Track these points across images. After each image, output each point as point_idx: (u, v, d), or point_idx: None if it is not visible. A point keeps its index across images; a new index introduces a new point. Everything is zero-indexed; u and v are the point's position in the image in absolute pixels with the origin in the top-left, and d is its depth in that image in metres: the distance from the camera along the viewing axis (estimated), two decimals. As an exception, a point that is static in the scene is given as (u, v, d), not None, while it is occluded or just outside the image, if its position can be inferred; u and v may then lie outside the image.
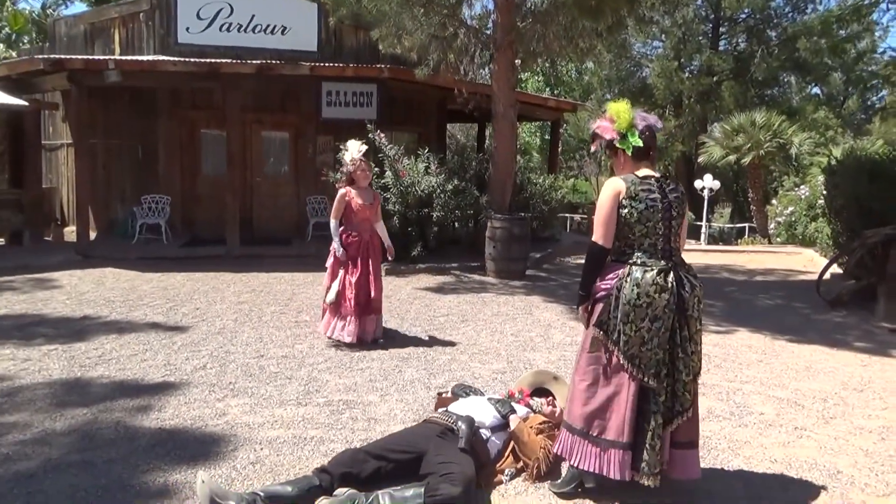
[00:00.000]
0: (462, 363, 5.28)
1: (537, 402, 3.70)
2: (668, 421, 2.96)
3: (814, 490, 3.19)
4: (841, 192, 8.62)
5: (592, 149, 3.31)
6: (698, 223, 22.39)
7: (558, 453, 3.16)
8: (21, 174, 11.32)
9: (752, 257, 12.72)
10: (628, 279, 2.93)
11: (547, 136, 33.14)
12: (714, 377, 4.99)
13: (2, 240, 11.52)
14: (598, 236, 2.99)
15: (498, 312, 7.28)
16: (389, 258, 6.09)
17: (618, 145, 3.09)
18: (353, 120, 10.76)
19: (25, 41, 17.80)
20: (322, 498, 2.80)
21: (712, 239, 22.31)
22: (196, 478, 2.95)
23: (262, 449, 3.58)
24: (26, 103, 10.27)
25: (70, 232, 12.13)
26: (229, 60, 10.13)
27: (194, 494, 3.00)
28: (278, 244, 11.56)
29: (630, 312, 2.91)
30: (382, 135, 9.66)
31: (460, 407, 3.44)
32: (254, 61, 10.14)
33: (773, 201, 17.25)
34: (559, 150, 32.05)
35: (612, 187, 2.99)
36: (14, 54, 14.47)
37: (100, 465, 3.36)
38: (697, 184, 21.40)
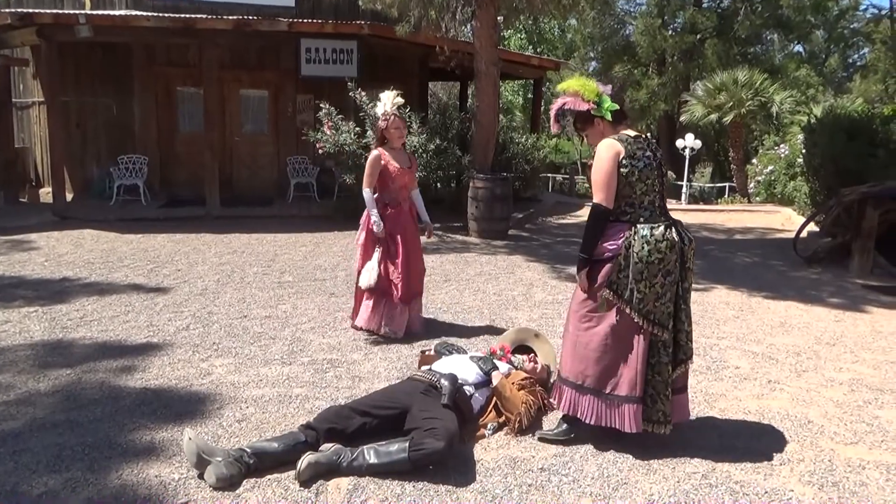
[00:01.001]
0: (443, 322, 5.33)
1: (519, 358, 3.76)
2: (673, 370, 3.11)
3: (785, 439, 3.30)
4: (819, 151, 8.70)
5: (554, 129, 3.32)
6: (679, 183, 22.47)
7: (564, 411, 3.22)
8: (-8, 134, 11.05)
9: (731, 216, 12.86)
10: (636, 237, 2.99)
11: (530, 95, 32.91)
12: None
13: (-26, 201, 11.31)
14: (601, 198, 3.00)
15: (481, 272, 7.32)
16: (427, 237, 5.33)
17: (595, 114, 3.13)
18: (334, 78, 10.60)
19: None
20: (308, 453, 2.85)
21: (693, 198, 22.42)
22: (183, 435, 2.98)
23: (247, 407, 3.61)
24: (-6, 59, 9.96)
25: (46, 193, 11.91)
26: (205, 16, 9.85)
27: (181, 451, 3.03)
28: (259, 205, 11.45)
29: (644, 270, 2.97)
30: (363, 93, 9.53)
31: (443, 365, 3.49)
32: (230, 17, 9.88)
33: (753, 160, 17.34)
34: (542, 109, 31.95)
35: (611, 148, 3.02)
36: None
37: (85, 425, 3.38)
38: (679, 143, 21.41)
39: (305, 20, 10.31)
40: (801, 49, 30.00)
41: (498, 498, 2.72)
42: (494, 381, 3.39)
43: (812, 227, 8.89)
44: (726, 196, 20.08)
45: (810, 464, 3.04)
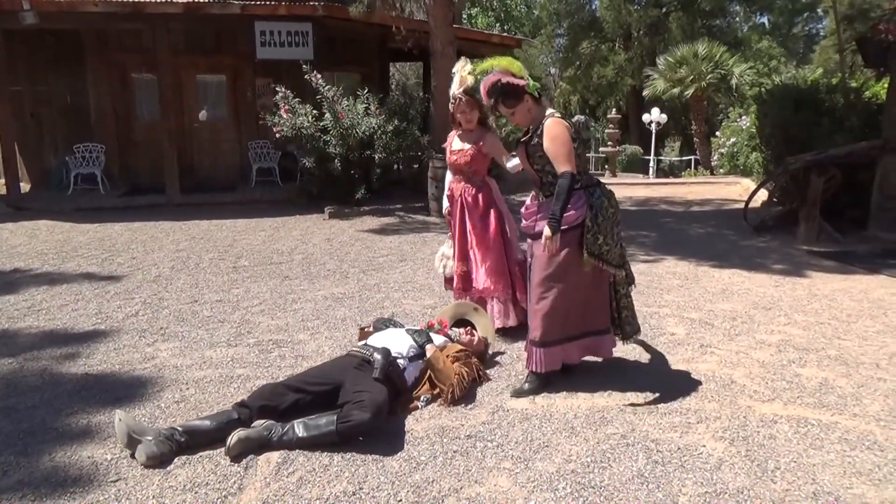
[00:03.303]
0: (395, 300, 5.40)
1: (456, 332, 3.84)
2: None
3: (706, 399, 3.43)
4: (769, 121, 8.86)
5: (486, 103, 3.58)
6: (646, 157, 22.73)
7: (538, 370, 3.48)
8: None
9: (692, 189, 13.06)
10: (596, 199, 3.35)
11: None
12: (634, 303, 5.21)
13: (-73, 195, 11.09)
14: (570, 167, 3.29)
15: (437, 251, 7.36)
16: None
17: (529, 90, 3.39)
18: (290, 61, 10.52)
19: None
20: (238, 429, 2.91)
21: (663, 173, 22.70)
22: (114, 416, 3.03)
23: (187, 388, 3.66)
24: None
25: (1, 185, 11.72)
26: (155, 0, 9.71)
27: (115, 433, 3.07)
28: (222, 191, 11.39)
29: (607, 226, 3.38)
30: (319, 76, 9.48)
31: (378, 339, 3.56)
32: (181, 0, 9.74)
33: (717, 133, 17.57)
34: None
35: (564, 126, 3.35)
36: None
37: (22, 411, 3.41)
38: (645, 118, 21.61)
39: (257, 3, 10.20)
40: (765, 21, 30.26)
41: (422, 465, 2.81)
42: (428, 354, 3.47)
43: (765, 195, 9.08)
44: (692, 169, 20.36)
45: (726, 420, 3.17)
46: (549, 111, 3.41)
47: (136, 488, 2.68)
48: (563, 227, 3.30)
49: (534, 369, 3.52)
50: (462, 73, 4.24)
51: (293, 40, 10.35)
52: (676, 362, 3.97)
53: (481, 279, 4.30)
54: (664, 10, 25.18)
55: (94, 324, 4.84)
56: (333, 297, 5.47)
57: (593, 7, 27.81)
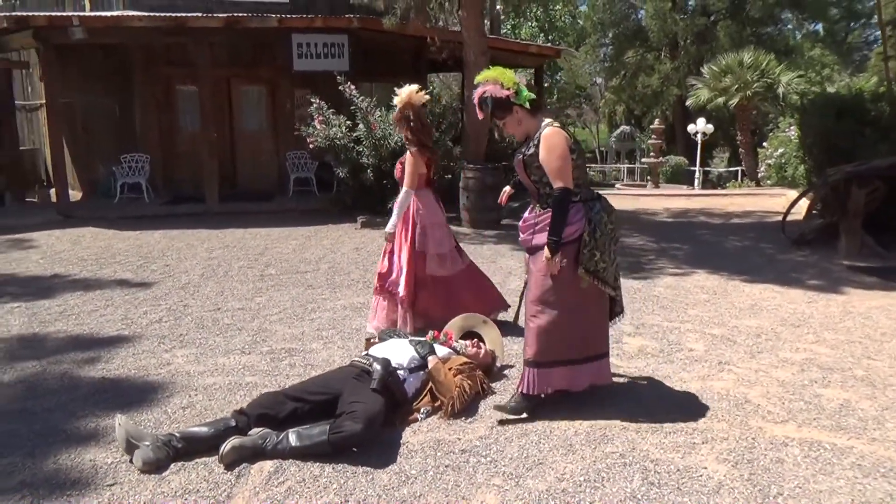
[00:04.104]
0: (412, 310, 5.39)
1: (461, 343, 3.81)
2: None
3: (716, 419, 3.30)
4: (811, 131, 8.57)
5: (480, 116, 3.49)
6: (692, 168, 22.24)
7: (534, 392, 3.31)
8: (-1, 136, 11.37)
9: (734, 200, 12.71)
10: (596, 214, 3.24)
11: (547, 83, 32.74)
12: (656, 318, 5.10)
13: (-15, 203, 11.65)
14: (565, 182, 3.19)
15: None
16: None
17: (514, 101, 3.29)
18: (326, 72, 10.68)
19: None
20: (234, 437, 2.94)
21: (711, 184, 22.17)
22: (115, 421, 3.09)
23: (196, 395, 3.72)
24: (-7, 63, 10.24)
25: (55, 192, 12.21)
26: (197, 14, 10.00)
27: (118, 437, 3.14)
28: (259, 200, 11.63)
29: (605, 242, 3.26)
30: (353, 87, 9.60)
31: (381, 349, 3.56)
32: (221, 14, 10.01)
33: (764, 143, 17.08)
34: (553, 97, 31.65)
35: (562, 137, 3.25)
36: (-12, 14, 14.29)
37: (39, 413, 3.52)
38: (690, 128, 21.16)
39: (296, 15, 10.40)
40: (818, 28, 29.36)
41: (412, 479, 2.78)
42: (430, 365, 3.45)
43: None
44: (739, 180, 19.83)
45: (733, 442, 3.05)
46: (546, 121, 3.32)
47: (130, 493, 2.72)
48: (565, 242, 3.21)
49: (523, 391, 3.33)
50: (402, 91, 4.58)
51: (329, 52, 10.51)
52: (690, 379, 3.84)
53: (401, 284, 4.58)
54: (712, 18, 24.71)
55: (119, 329, 4.97)
56: (352, 307, 5.50)
57: (639, 16, 27.47)
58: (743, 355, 4.25)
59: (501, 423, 3.27)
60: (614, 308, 3.52)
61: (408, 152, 4.67)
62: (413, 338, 3.76)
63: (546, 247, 3.22)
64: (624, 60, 27.72)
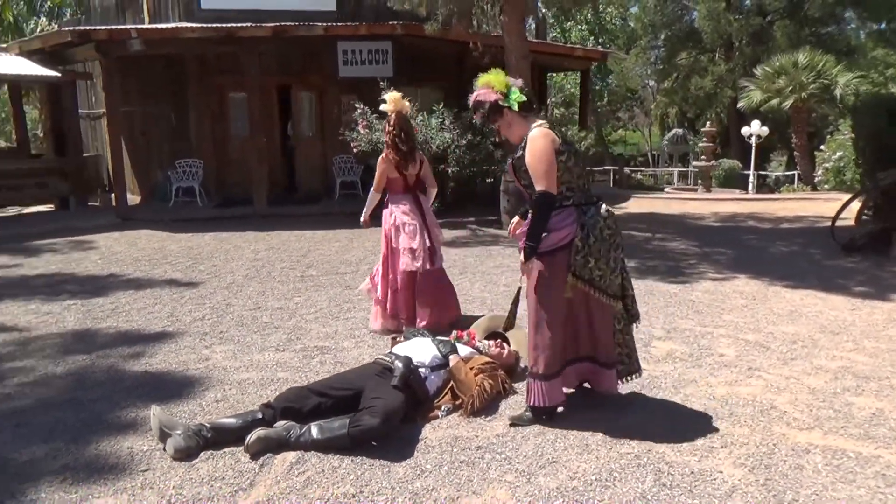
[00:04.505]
0: (445, 311, 5.47)
1: (485, 343, 3.87)
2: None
3: (738, 424, 3.27)
4: (863, 132, 8.28)
5: (477, 121, 3.47)
6: (745, 172, 21.67)
7: (548, 405, 3.24)
8: (64, 143, 11.99)
9: (786, 205, 12.35)
10: (591, 219, 3.11)
11: (597, 87, 32.42)
12: (689, 322, 5.04)
13: (51, 206, 12.30)
14: (546, 185, 3.08)
15: (500, 265, 7.41)
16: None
17: (503, 104, 3.23)
18: (372, 78, 10.89)
19: (67, 14, 18.53)
20: (258, 429, 3.07)
21: (767, 189, 21.56)
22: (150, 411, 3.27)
23: (230, 389, 3.89)
24: (58, 74, 10.81)
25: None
26: (246, 24, 10.35)
27: (154, 426, 3.32)
28: (306, 203, 11.93)
29: (600, 248, 3.12)
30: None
31: (403, 348, 3.65)
32: (269, 24, 10.33)
33: (822, 146, 16.55)
34: (603, 100, 31.29)
35: (547, 136, 3.13)
36: (56, 27, 15.12)
37: (84, 403, 3.74)
38: (744, 130, 20.64)
39: (341, 23, 10.65)
40: (883, 27, 28.16)
41: (426, 473, 2.86)
42: (451, 364, 3.52)
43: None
44: (795, 184, 19.23)
45: (752, 447, 3.02)
46: (538, 123, 3.21)
47: (161, 478, 2.88)
48: (551, 248, 3.12)
49: (534, 404, 3.25)
50: (389, 98, 4.84)
51: (373, 58, 10.73)
52: (717, 384, 3.80)
53: (378, 286, 4.99)
54: (768, 18, 24.03)
55: (164, 326, 5.21)
56: (386, 308, 5.61)
57: (691, 17, 26.93)
58: (775, 362, 4.17)
59: (513, 424, 3.29)
60: (629, 317, 3.39)
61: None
62: (436, 337, 3.84)
63: (521, 250, 3.18)
64: (676, 62, 27.22)
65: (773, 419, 3.32)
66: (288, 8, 11.97)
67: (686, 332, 4.78)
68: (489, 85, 3.27)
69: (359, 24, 10.71)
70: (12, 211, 12.25)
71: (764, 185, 22.45)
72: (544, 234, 3.12)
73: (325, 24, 10.49)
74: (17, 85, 12.65)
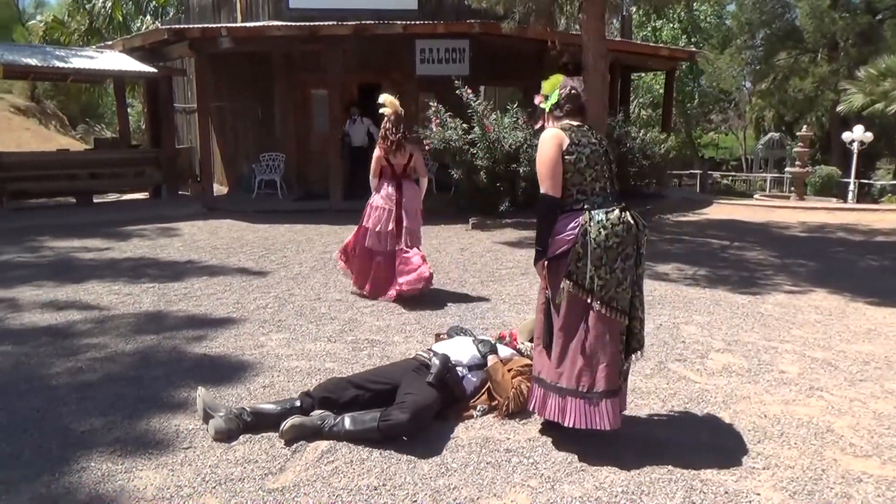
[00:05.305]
0: (499, 312, 5.46)
1: (527, 346, 3.82)
2: (625, 358, 3.07)
3: (788, 445, 3.09)
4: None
5: (537, 126, 3.41)
6: (845, 180, 20.34)
7: (549, 418, 3.08)
8: (160, 135, 12.73)
9: (885, 216, 11.53)
10: (592, 223, 2.95)
11: (688, 88, 31.30)
12: (753, 335, 4.80)
13: (146, 194, 13.08)
14: (546, 188, 3.01)
15: (564, 266, 7.28)
16: None
17: (543, 107, 3.24)
18: (447, 76, 10.96)
19: (170, 13, 19.65)
20: (295, 416, 3.17)
21: (870, 198, 20.14)
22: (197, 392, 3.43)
23: (278, 375, 4.02)
24: (155, 70, 11.47)
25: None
26: (329, 23, 10.64)
27: (202, 407, 3.48)
28: (380, 199, 12.12)
29: (602, 256, 2.93)
30: (469, 90, 9.79)
31: (443, 346, 3.66)
32: (350, 23, 10.58)
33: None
34: (694, 101, 30.14)
35: (553, 137, 3.06)
36: (159, 25, 16.06)
37: (146, 380, 3.97)
38: (845, 136, 19.38)
39: (419, 22, 10.77)
40: None
41: (451, 471, 2.86)
42: (489, 364, 3.50)
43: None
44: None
45: (798, 471, 2.84)
46: (564, 123, 3.12)
47: (201, 457, 3.02)
48: (555, 253, 3.01)
49: (549, 417, 3.06)
50: (388, 99, 5.74)
51: (450, 57, 10.79)
52: (772, 402, 3.61)
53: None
54: (878, 16, 22.43)
55: (229, 312, 5.45)
56: (441, 304, 5.64)
57: (793, 15, 25.47)
58: (841, 382, 3.92)
59: (542, 432, 3.23)
60: (631, 341, 3.05)
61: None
62: (478, 337, 3.83)
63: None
64: (774, 63, 25.85)
65: (826, 443, 3.12)
66: (371, 7, 12.23)
67: (748, 346, 4.56)
68: (543, 89, 3.26)
69: (437, 22, 10.80)
70: (111, 197, 13.10)
71: (867, 195, 21.00)
72: (552, 238, 3.03)
73: (404, 22, 10.63)
74: (121, 80, 13.53)
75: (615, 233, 2.93)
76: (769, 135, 28.18)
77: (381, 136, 5.72)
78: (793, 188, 19.47)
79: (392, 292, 5.68)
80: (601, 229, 2.93)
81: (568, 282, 2.99)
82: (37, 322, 5.10)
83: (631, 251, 2.98)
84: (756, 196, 18.92)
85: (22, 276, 6.62)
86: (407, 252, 5.70)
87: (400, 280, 5.63)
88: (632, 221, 2.98)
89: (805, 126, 19.76)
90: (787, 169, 20.80)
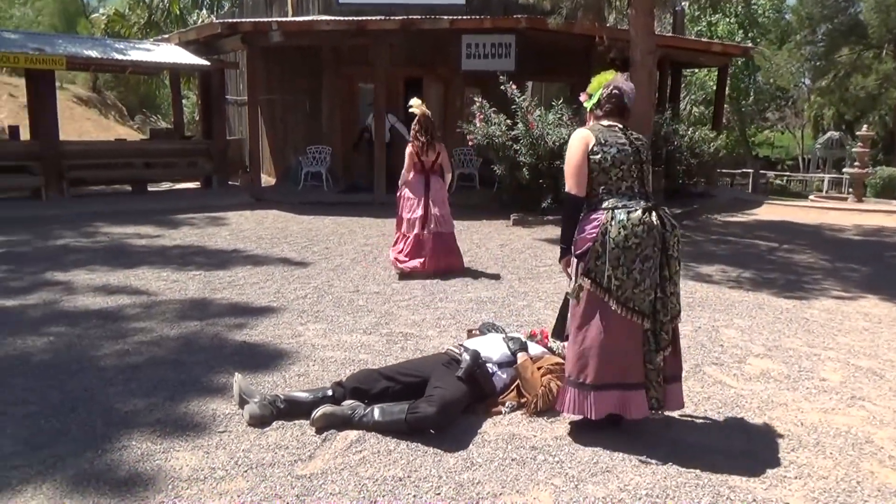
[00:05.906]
0: (535, 309, 5.45)
1: (558, 345, 3.81)
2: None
3: (823, 455, 3.01)
4: None
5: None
6: (905, 181, 19.52)
7: (568, 413, 3.13)
8: (211, 127, 13.06)
9: (948, 220, 11.04)
10: (613, 222, 2.96)
11: (743, 84, 30.48)
12: (795, 341, 4.68)
13: (197, 183, 13.45)
14: (570, 186, 3.09)
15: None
16: None
17: (584, 104, 3.29)
18: (493, 71, 10.94)
19: (225, 7, 20.12)
20: (327, 405, 3.24)
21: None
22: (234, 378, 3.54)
23: (313, 365, 4.11)
24: (208, 63, 11.76)
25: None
26: (376, 17, 10.73)
27: (238, 392, 3.59)
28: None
29: (620, 256, 2.93)
30: (514, 86, 9.75)
31: (475, 342, 3.68)
32: (397, 17, 10.65)
33: None
34: (748, 98, 29.33)
35: (580, 136, 3.10)
36: (214, 19, 16.47)
37: (188, 365, 4.11)
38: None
39: (465, 17, 10.77)
40: None
41: (476, 466, 2.89)
42: (518, 361, 3.51)
43: None
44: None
45: (832, 482, 2.77)
46: (595, 124, 3.18)
47: (234, 441, 3.12)
48: (578, 252, 3.05)
49: (573, 412, 3.10)
50: (417, 102, 6.66)
51: (496, 52, 10.76)
52: (810, 410, 3.52)
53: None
54: (949, 10, 21.44)
55: (270, 301, 5.58)
56: (478, 300, 5.67)
57: (857, 9, 24.54)
58: (886, 392, 3.79)
59: (570, 432, 3.22)
60: (657, 344, 3.03)
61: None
62: (510, 334, 3.84)
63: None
64: (835, 59, 25.00)
65: (864, 454, 3.03)
66: (420, 2, 12.29)
67: (789, 352, 4.45)
68: (591, 86, 3.30)
69: (483, 17, 10.78)
70: (165, 186, 13.52)
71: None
72: (578, 237, 3.08)
73: (450, 17, 10.65)
74: (176, 72, 13.92)
75: (635, 233, 2.92)
76: (828, 134, 27.22)
77: (413, 137, 6.60)
78: (851, 189, 18.80)
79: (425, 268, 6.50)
80: (621, 229, 2.93)
81: (587, 279, 3.01)
82: (89, 305, 5.32)
83: (651, 252, 2.95)
84: (811, 197, 18.33)
85: (78, 261, 6.91)
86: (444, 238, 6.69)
87: (436, 260, 6.56)
88: (655, 222, 2.96)
89: (866, 125, 19.04)
90: (846, 170, 20.08)
